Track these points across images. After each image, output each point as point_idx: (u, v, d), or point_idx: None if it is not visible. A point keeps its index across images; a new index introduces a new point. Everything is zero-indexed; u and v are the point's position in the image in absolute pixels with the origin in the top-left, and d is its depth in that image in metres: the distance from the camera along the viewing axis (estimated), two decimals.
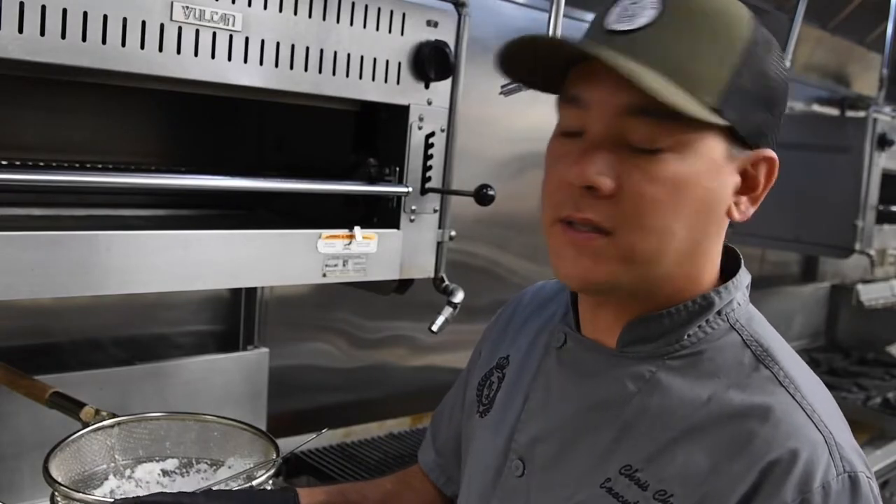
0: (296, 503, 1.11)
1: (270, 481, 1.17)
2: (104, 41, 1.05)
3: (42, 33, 1.00)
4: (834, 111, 3.74)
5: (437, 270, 1.50)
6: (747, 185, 0.86)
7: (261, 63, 1.20)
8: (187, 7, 1.11)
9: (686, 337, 0.87)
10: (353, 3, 1.28)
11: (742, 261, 0.93)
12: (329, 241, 1.33)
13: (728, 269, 0.91)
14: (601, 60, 0.77)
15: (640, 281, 0.85)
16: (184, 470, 1.27)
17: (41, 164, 1.37)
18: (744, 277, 0.92)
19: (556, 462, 0.92)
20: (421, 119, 1.41)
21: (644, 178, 0.80)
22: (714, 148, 0.82)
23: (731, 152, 0.83)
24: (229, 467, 1.25)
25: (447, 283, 1.52)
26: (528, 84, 0.91)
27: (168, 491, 1.23)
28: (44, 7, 0.99)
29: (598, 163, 0.80)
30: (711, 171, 0.82)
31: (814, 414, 0.82)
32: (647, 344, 0.88)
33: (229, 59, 1.16)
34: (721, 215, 0.86)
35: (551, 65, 0.85)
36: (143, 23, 1.07)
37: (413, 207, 1.43)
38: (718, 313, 0.88)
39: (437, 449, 1.20)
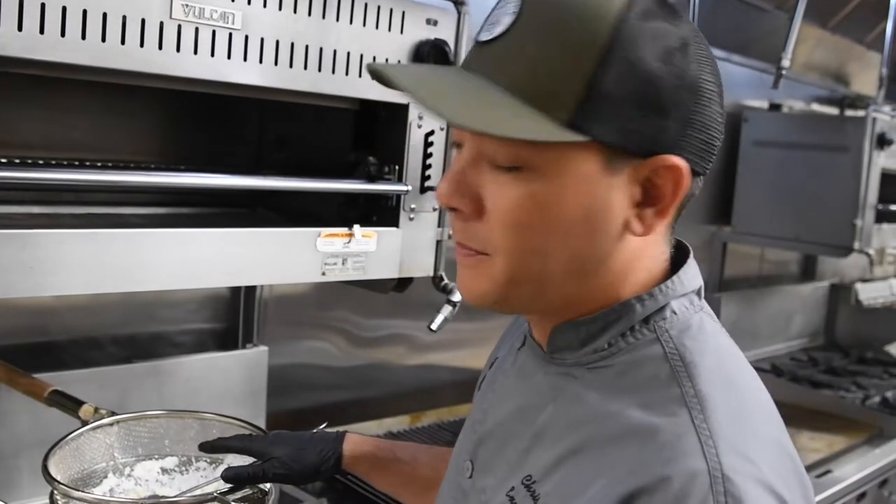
0: (336, 450, 1.17)
1: None
2: (104, 39, 1.05)
3: (41, 31, 1.00)
4: (833, 110, 3.74)
5: (436, 269, 1.50)
6: (652, 197, 0.77)
7: (260, 61, 1.20)
8: (187, 5, 1.11)
9: (606, 347, 0.81)
10: (353, 2, 1.28)
11: (689, 263, 0.85)
12: (328, 240, 1.33)
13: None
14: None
15: (532, 299, 0.81)
16: (183, 468, 1.27)
17: (40, 162, 1.37)
18: (683, 284, 0.83)
19: (488, 466, 0.89)
20: (420, 118, 1.41)
21: (507, 199, 0.76)
22: (584, 163, 0.75)
23: (611, 165, 0.75)
24: (228, 465, 1.25)
25: (446, 281, 1.52)
26: None
27: (167, 488, 1.23)
28: (43, 5, 0.99)
29: (456, 183, 0.78)
30: (583, 188, 0.75)
31: (708, 440, 0.72)
32: (572, 351, 0.83)
33: (229, 57, 1.16)
34: (615, 231, 0.78)
35: None
36: (143, 21, 1.07)
37: (412, 206, 1.43)
38: (646, 322, 0.81)
39: None
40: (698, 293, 0.85)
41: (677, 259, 0.86)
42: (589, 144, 0.73)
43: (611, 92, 0.73)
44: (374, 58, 1.32)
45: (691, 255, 0.85)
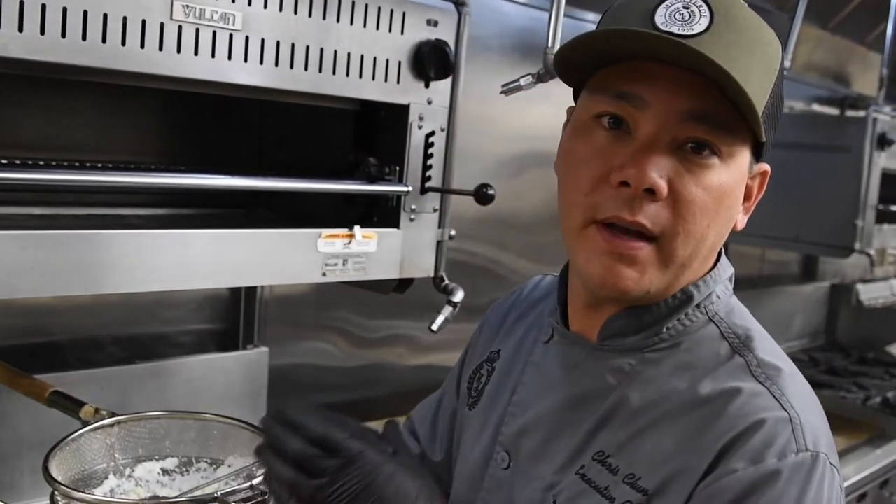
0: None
1: None
2: (104, 40, 1.05)
3: (42, 32, 1.00)
4: (834, 111, 3.74)
5: (436, 269, 1.50)
6: (745, 196, 0.89)
7: (261, 62, 1.20)
8: (187, 6, 1.11)
9: (665, 330, 0.89)
10: (353, 3, 1.28)
11: (723, 254, 0.94)
12: (329, 241, 1.33)
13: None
14: (682, 62, 0.78)
15: (667, 287, 0.87)
16: (184, 469, 1.27)
17: (41, 163, 1.37)
18: (724, 271, 0.93)
19: (538, 454, 0.93)
20: (421, 118, 1.41)
21: (695, 184, 0.82)
22: (746, 161, 0.86)
23: (750, 165, 0.87)
24: (229, 466, 1.25)
25: (447, 282, 1.52)
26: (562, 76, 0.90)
27: (168, 489, 1.23)
28: (44, 6, 0.99)
29: (659, 165, 0.80)
30: (741, 183, 0.86)
31: (782, 397, 0.83)
32: (626, 337, 0.90)
33: (229, 58, 1.16)
34: (732, 224, 0.89)
35: (590, 57, 0.84)
36: (143, 22, 1.07)
37: (413, 206, 1.43)
38: (697, 306, 0.90)
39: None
40: (730, 279, 0.94)
41: None
42: (750, 146, 0.85)
43: (772, 105, 0.85)
44: (375, 58, 1.32)
45: (722, 247, 0.94)
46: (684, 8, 0.80)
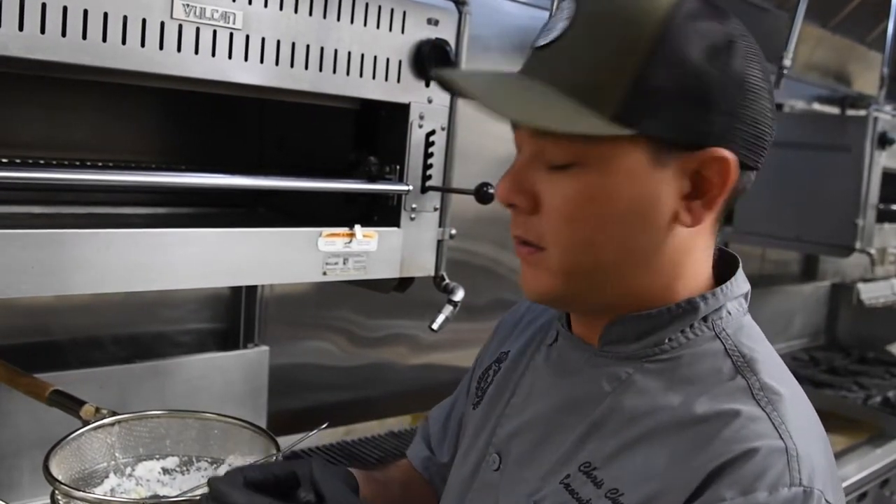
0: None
1: None
2: (104, 39, 1.04)
3: (42, 31, 1.00)
4: (834, 110, 3.74)
5: (437, 269, 1.50)
6: (701, 189, 0.81)
7: (261, 61, 1.20)
8: (188, 5, 1.10)
9: (667, 341, 0.86)
10: (354, 2, 1.28)
11: (740, 269, 0.90)
12: (329, 240, 1.33)
13: (725, 277, 0.89)
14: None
15: (592, 291, 0.85)
16: (184, 468, 1.27)
17: (41, 161, 1.37)
18: (738, 287, 0.89)
19: (527, 458, 0.91)
20: (421, 117, 1.41)
21: (558, 194, 0.81)
22: (631, 157, 0.79)
23: (659, 158, 0.79)
24: (229, 465, 1.25)
25: (447, 281, 1.52)
26: None
27: (169, 488, 1.23)
28: (44, 5, 0.99)
29: (514, 181, 0.83)
30: (632, 181, 0.79)
31: (781, 426, 0.79)
32: (627, 344, 0.87)
33: (230, 57, 1.16)
34: (664, 223, 0.82)
35: None
36: (144, 21, 1.07)
37: (413, 206, 1.43)
38: (704, 320, 0.86)
39: (433, 447, 1.19)
40: (745, 297, 0.90)
41: (721, 266, 0.91)
42: (638, 139, 0.78)
43: (658, 88, 0.77)
44: (375, 57, 1.32)
45: (740, 262, 0.91)
46: (555, 16, 0.82)
